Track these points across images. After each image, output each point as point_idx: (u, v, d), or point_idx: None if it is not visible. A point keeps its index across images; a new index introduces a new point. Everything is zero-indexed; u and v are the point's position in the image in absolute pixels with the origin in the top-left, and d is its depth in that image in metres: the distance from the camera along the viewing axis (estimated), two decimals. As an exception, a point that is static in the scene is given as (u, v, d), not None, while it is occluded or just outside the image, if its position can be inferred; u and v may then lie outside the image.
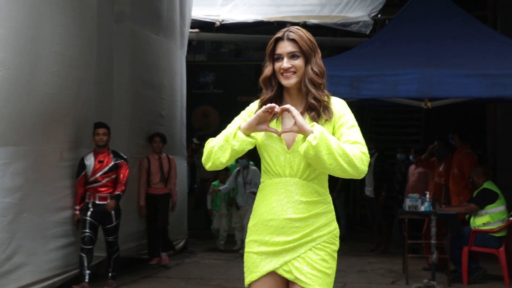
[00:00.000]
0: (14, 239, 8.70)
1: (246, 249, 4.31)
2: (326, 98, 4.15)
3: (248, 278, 4.27)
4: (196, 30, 17.19)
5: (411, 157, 14.51)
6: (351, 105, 12.51)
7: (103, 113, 11.14)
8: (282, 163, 4.17)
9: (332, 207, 4.26)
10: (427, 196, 11.39)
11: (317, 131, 3.90)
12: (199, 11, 16.82)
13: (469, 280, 11.04)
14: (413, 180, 14.09)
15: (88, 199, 10.24)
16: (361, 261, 13.32)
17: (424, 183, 13.46)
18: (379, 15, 17.22)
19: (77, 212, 10.20)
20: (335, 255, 4.23)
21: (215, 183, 14.98)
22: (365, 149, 4.03)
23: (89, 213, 10.13)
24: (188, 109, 15.95)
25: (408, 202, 11.64)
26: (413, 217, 11.69)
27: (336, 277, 11.23)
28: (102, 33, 11.27)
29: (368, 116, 18.70)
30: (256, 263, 4.23)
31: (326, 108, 4.13)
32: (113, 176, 10.32)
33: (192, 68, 16.47)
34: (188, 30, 15.94)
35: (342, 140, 4.02)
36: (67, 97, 9.93)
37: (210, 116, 18.21)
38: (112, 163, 10.31)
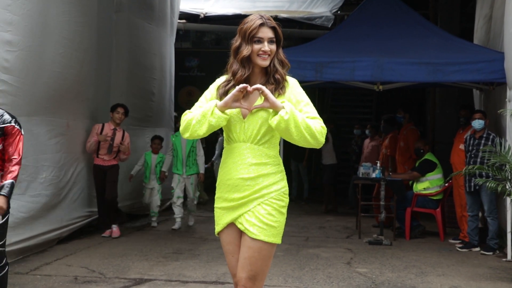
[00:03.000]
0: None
1: (214, 205, 4.33)
2: (285, 77, 4.21)
3: (216, 229, 4.33)
4: (183, 21, 17.12)
5: (367, 132, 14.50)
6: (315, 86, 12.48)
7: (102, 89, 11.15)
8: (237, 131, 4.17)
9: (281, 168, 4.27)
10: (378, 165, 11.50)
11: (288, 107, 3.96)
12: (186, 4, 16.76)
13: (410, 235, 11.14)
14: (367, 151, 14.10)
15: None
16: (320, 219, 13.35)
17: (376, 154, 13.47)
18: (339, 12, 17.21)
19: None
20: (283, 210, 4.20)
21: (147, 153, 12.13)
22: (322, 123, 4.08)
23: None
24: (176, 88, 15.95)
25: (361, 170, 11.70)
26: (366, 182, 11.74)
27: (299, 232, 11.27)
28: (102, 21, 11.23)
29: (329, 98, 18.68)
30: (220, 216, 4.28)
31: (283, 85, 4.17)
32: None
33: (179, 54, 16.42)
34: (176, 20, 15.93)
35: (304, 116, 4.04)
36: (71, 75, 9.91)
37: (194, 95, 18.21)
38: None
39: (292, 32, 17.18)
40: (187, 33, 18.43)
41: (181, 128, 4.22)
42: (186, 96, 18.05)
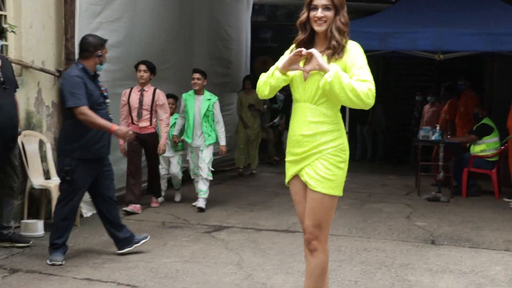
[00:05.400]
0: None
1: (285, 159, 4.40)
2: (343, 42, 4.13)
3: (286, 180, 4.41)
4: (259, -4, 17.11)
5: (428, 98, 14.36)
6: (380, 56, 12.33)
7: (186, 57, 11.30)
8: (300, 91, 4.21)
9: (339, 127, 4.23)
10: (437, 128, 11.43)
11: (332, 71, 3.94)
12: (262, -20, 16.76)
13: (467, 193, 11.09)
14: (427, 116, 13.94)
15: None
16: (383, 178, 13.30)
17: (436, 119, 13.30)
18: (403, -13, 16.93)
19: None
20: (340, 165, 4.19)
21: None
22: (372, 85, 4.00)
23: None
24: (251, 58, 16.01)
25: (422, 133, 11.62)
26: (425, 144, 11.68)
27: (359, 190, 11.26)
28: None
29: (393, 69, 18.43)
30: (288, 168, 4.35)
31: (342, 49, 4.12)
32: None
33: (254, 26, 16.44)
34: (253, -4, 15.93)
35: (354, 78, 4.00)
36: (158, 44, 10.20)
37: (268, 64, 18.00)
38: None
39: (358, 5, 16.98)
40: (262, 8, 18.39)
41: (256, 90, 4.37)
42: (261, 65, 17.98)
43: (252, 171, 13.33)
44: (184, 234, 7.58)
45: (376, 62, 16.55)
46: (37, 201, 7.91)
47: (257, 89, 4.34)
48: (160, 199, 9.61)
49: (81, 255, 6.60)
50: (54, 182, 7.73)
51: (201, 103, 9.18)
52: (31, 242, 6.94)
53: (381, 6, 15.12)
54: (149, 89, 8.95)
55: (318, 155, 4.16)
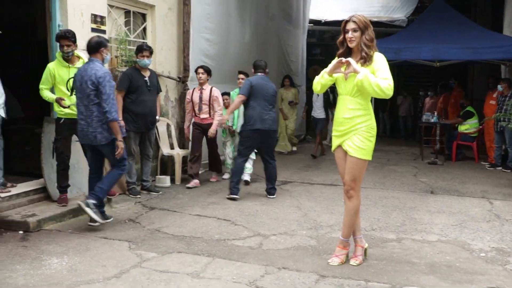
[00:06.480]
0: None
1: (332, 134, 4.31)
2: (371, 53, 4.04)
3: (332, 149, 4.34)
4: (311, 24, 16.84)
5: (429, 93, 13.92)
6: (395, 64, 12.00)
7: (262, 68, 11.24)
8: (342, 87, 4.14)
9: (370, 111, 4.14)
10: (435, 114, 11.10)
11: (362, 73, 3.90)
12: (313, 13, 16.48)
13: (456, 159, 10.71)
14: (428, 105, 13.49)
15: None
16: (397, 148, 12.97)
17: (434, 107, 12.89)
18: (410, 16, 16.34)
19: None
20: (370, 138, 4.12)
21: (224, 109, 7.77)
22: (391, 81, 3.92)
23: None
24: (306, 67, 15.79)
25: (424, 117, 11.30)
26: (427, 125, 11.29)
27: (381, 156, 11.01)
28: (261, 26, 11.27)
29: (403, 73, 17.90)
30: (334, 140, 4.28)
31: (370, 58, 4.02)
32: None
33: (308, 46, 16.25)
34: (307, 24, 15.69)
35: (379, 77, 3.91)
36: (243, 59, 10.03)
37: (318, 71, 17.70)
38: None
39: (380, 30, 16.52)
40: (313, 32, 18.07)
41: (313, 87, 4.28)
42: (313, 72, 17.64)
43: (292, 150, 11.47)
44: (261, 187, 7.51)
45: (392, 68, 16.04)
46: (165, 164, 8.05)
47: (313, 87, 4.26)
48: (226, 175, 8.17)
49: (194, 199, 6.70)
50: (177, 151, 7.85)
51: None
52: (161, 191, 7.10)
53: (396, 30, 14.67)
54: (207, 88, 7.55)
55: (355, 131, 4.10)
